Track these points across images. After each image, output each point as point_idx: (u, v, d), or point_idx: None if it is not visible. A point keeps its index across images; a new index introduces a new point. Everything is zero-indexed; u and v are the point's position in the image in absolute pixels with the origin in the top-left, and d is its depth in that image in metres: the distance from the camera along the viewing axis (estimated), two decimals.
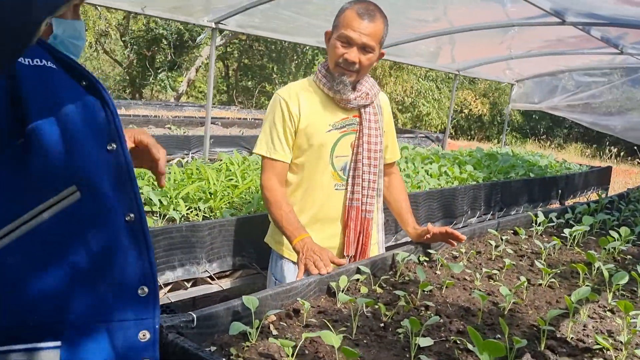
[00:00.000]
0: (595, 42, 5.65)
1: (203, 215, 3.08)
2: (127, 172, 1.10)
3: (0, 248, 0.96)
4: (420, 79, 22.97)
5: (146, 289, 1.11)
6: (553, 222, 2.98)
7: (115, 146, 1.09)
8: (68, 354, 1.03)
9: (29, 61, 1.01)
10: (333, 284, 1.77)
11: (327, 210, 2.27)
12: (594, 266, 2.24)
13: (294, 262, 2.24)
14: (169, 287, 2.48)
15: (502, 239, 2.58)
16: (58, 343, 1.03)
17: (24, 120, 0.96)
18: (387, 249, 3.91)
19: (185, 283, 2.55)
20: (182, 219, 2.98)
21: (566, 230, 2.68)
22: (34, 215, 0.98)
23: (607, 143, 20.85)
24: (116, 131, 1.09)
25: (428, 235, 2.26)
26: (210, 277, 2.59)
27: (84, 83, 1.07)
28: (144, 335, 1.12)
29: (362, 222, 2.28)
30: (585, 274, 2.20)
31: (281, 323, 1.53)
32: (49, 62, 1.04)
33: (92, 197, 1.05)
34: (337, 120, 2.23)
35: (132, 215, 1.10)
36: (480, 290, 1.93)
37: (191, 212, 3.11)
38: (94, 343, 1.06)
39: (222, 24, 4.97)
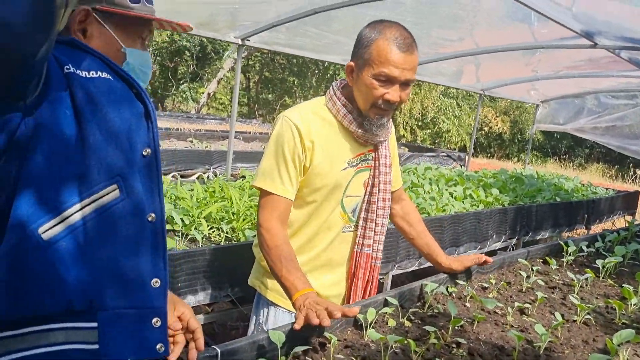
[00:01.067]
0: (624, 64, 5.56)
1: (225, 236, 3.03)
2: (156, 176, 1.25)
3: (52, 235, 1.09)
4: (440, 96, 22.90)
5: (159, 281, 1.24)
6: (583, 251, 2.89)
7: (150, 151, 1.23)
8: (102, 334, 1.15)
9: (85, 73, 1.17)
10: (360, 317, 1.71)
11: (332, 254, 2.02)
12: (630, 302, 2.15)
13: (289, 312, 1.98)
14: None
15: (532, 269, 2.50)
16: (95, 324, 1.15)
17: (78, 123, 1.12)
18: (411, 274, 3.86)
19: (207, 307, 2.50)
20: (204, 239, 2.94)
21: (598, 262, 2.60)
22: (83, 206, 1.12)
23: (630, 165, 20.54)
24: (153, 139, 1.25)
25: (460, 268, 2.18)
26: (232, 300, 2.54)
27: (134, 91, 1.23)
28: (157, 321, 1.23)
29: (371, 271, 2.05)
30: (622, 311, 2.11)
31: (307, 358, 1.48)
32: (104, 73, 1.20)
33: (128, 196, 1.18)
34: (353, 157, 1.97)
35: (154, 215, 1.24)
36: (513, 326, 1.86)
37: (213, 232, 3.07)
38: (121, 326, 1.18)
39: (247, 40, 4.97)
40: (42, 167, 1.08)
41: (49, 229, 1.09)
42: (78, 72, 1.16)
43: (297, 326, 1.48)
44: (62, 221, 1.10)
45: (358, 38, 1.88)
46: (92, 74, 1.18)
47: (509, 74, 7.36)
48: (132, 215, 1.19)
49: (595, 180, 14.67)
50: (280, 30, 4.96)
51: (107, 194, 1.15)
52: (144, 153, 1.22)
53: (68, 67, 1.15)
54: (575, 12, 4.26)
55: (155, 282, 1.23)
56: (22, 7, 0.86)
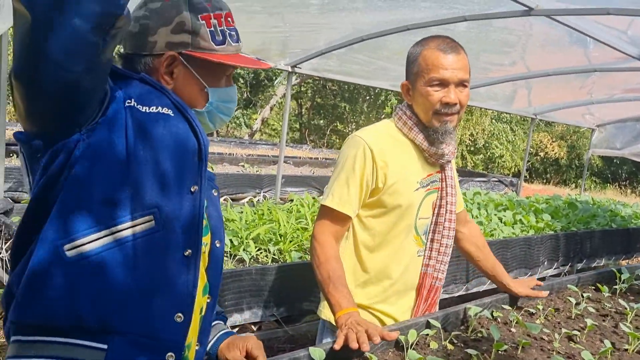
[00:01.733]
0: None
1: (272, 257, 3.10)
2: (198, 213, 1.27)
3: (77, 254, 1.13)
4: (493, 121, 22.54)
5: (182, 316, 1.25)
6: (639, 278, 2.79)
7: (196, 188, 1.27)
8: (110, 357, 1.15)
9: (146, 108, 1.23)
10: (402, 338, 1.71)
11: (407, 279, 2.01)
12: None
13: None
14: (236, 329, 2.49)
15: (582, 296, 2.43)
16: (105, 346, 1.16)
17: (125, 153, 1.17)
18: (457, 298, 3.80)
19: (252, 326, 2.56)
20: (252, 260, 3.01)
21: None
22: (114, 232, 1.16)
23: None
24: (200, 177, 1.28)
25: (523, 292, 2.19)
26: (277, 320, 2.59)
27: (191, 128, 1.27)
28: (170, 355, 1.23)
29: (434, 293, 2.05)
30: None
31: None
32: (164, 109, 1.26)
33: (164, 229, 1.21)
34: (423, 177, 1.97)
35: (190, 251, 1.25)
36: (559, 352, 1.82)
37: (261, 253, 3.14)
38: (132, 353, 1.18)
39: (298, 67, 5.10)
40: (79, 189, 1.14)
41: (74, 248, 1.13)
42: (139, 106, 1.22)
43: (337, 346, 1.49)
44: (89, 242, 1.14)
45: (407, 59, 1.94)
46: (153, 108, 1.24)
47: (562, 97, 7.22)
48: (166, 248, 1.21)
49: None
50: (329, 58, 5.06)
51: (142, 223, 1.18)
52: (192, 190, 1.26)
53: (130, 101, 1.22)
54: (631, 35, 4.18)
55: (178, 317, 1.24)
56: (59, 41, 0.97)
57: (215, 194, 1.48)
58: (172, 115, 1.26)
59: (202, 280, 1.36)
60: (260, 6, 3.89)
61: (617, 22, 3.88)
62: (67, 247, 1.13)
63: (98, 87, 1.12)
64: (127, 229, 1.16)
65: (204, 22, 1.30)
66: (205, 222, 1.36)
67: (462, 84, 1.86)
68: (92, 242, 1.14)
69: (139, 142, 1.18)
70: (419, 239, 2.00)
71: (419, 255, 2.02)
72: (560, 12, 3.53)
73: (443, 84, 1.84)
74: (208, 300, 1.42)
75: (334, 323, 1.95)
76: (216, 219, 1.44)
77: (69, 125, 1.13)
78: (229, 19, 1.36)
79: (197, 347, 1.40)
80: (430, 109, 1.87)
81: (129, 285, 1.17)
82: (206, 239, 1.37)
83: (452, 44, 1.87)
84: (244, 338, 1.50)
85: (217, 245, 1.43)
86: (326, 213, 1.89)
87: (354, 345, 1.48)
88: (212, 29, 1.31)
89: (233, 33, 1.36)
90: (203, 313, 1.40)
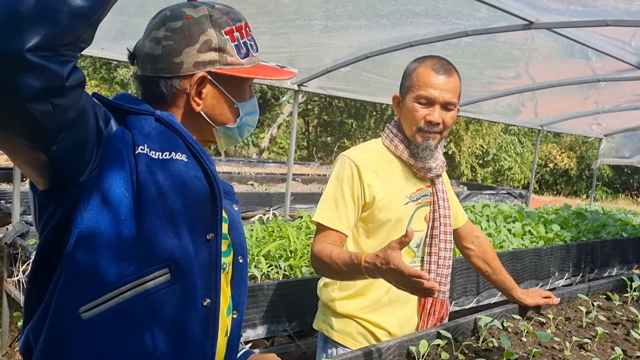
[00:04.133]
0: None
1: (283, 273, 3.13)
2: (215, 261, 1.22)
3: (92, 315, 1.08)
4: (501, 133, 22.52)
5: None
6: None
7: (213, 235, 1.21)
8: None
9: (159, 155, 1.16)
10: (413, 349, 1.73)
11: (399, 291, 1.99)
12: None
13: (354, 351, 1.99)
14: (249, 345, 2.51)
15: (593, 305, 2.43)
16: None
17: (136, 205, 1.10)
18: (468, 310, 3.80)
19: (265, 341, 2.58)
20: (263, 277, 3.04)
21: None
22: (128, 289, 1.10)
23: None
24: (216, 223, 1.22)
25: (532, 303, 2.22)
26: (289, 335, 2.61)
27: (206, 174, 1.21)
28: None
29: (441, 306, 2.08)
30: None
31: None
32: (178, 154, 1.19)
33: (180, 280, 1.16)
34: (413, 192, 2.02)
35: (209, 300, 1.21)
36: None
37: (272, 269, 3.17)
38: None
39: (304, 85, 5.16)
40: (91, 247, 1.08)
41: (89, 310, 1.09)
42: (151, 153, 1.15)
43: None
44: (104, 302, 1.09)
45: (403, 73, 2.01)
46: (166, 155, 1.17)
47: (568, 108, 7.24)
48: (183, 299, 1.17)
49: None
50: (335, 75, 5.13)
51: (156, 277, 1.13)
52: (208, 237, 1.21)
53: (143, 147, 1.14)
54: (635, 45, 4.22)
55: None
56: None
57: (236, 208, 1.42)
58: (187, 160, 1.19)
59: (226, 300, 1.34)
60: (266, 27, 3.97)
61: (620, 34, 3.92)
62: (82, 309, 1.09)
63: (79, 143, 1.04)
64: (142, 284, 1.12)
65: (228, 37, 1.26)
66: (226, 242, 1.33)
67: (447, 105, 1.92)
68: (108, 301, 1.10)
69: (151, 192, 1.13)
70: (410, 251, 2.03)
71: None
72: (559, 25, 3.58)
73: (430, 102, 1.91)
74: (234, 316, 1.38)
75: (327, 335, 2.04)
76: (238, 234, 1.39)
77: (60, 180, 1.07)
78: (247, 29, 1.32)
79: None
80: (415, 125, 1.94)
81: (148, 342, 1.13)
82: (228, 259, 1.35)
83: (447, 66, 1.93)
84: (264, 356, 1.48)
85: (240, 261, 1.39)
86: (318, 230, 1.94)
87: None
88: (236, 42, 1.27)
89: (252, 43, 1.32)
90: (229, 334, 1.37)
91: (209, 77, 1.26)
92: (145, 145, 1.15)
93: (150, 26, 1.27)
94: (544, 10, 3.52)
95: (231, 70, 1.26)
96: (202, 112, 1.29)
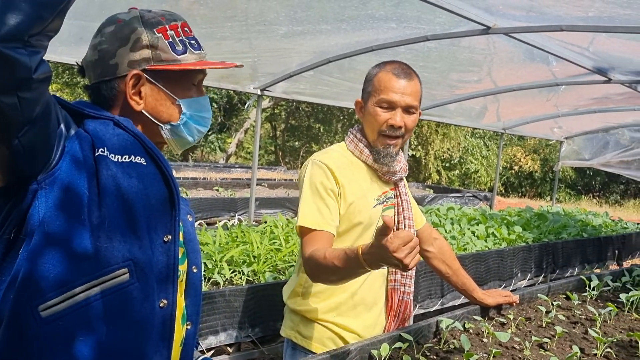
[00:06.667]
0: None
1: (246, 279, 3.10)
2: (172, 263, 1.23)
3: (52, 314, 1.07)
4: (467, 137, 22.86)
5: None
6: (609, 285, 2.84)
7: (170, 238, 1.23)
8: None
9: (118, 157, 1.18)
10: (374, 352, 1.73)
11: (365, 293, 2.02)
12: None
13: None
14: (211, 352, 2.48)
15: (553, 305, 2.47)
16: None
17: (97, 204, 1.13)
18: (433, 313, 3.83)
19: (228, 348, 2.54)
20: (226, 282, 3.01)
21: (622, 295, 2.55)
22: (88, 287, 1.10)
23: None
24: (174, 226, 1.24)
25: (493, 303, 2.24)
26: (253, 341, 2.58)
27: (164, 177, 1.23)
28: None
29: (405, 307, 2.10)
30: None
31: None
32: (137, 157, 1.21)
33: (138, 280, 1.17)
34: (379, 194, 2.03)
35: (165, 301, 1.22)
36: None
37: (235, 275, 3.13)
38: None
39: (267, 90, 5.15)
40: (49, 245, 1.08)
41: (48, 308, 1.08)
42: (111, 156, 1.16)
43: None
44: (64, 301, 1.09)
45: (365, 78, 2.02)
46: (125, 158, 1.19)
47: (529, 111, 7.39)
48: (142, 300, 1.18)
49: (632, 217, 14.26)
50: (298, 80, 5.12)
51: (116, 277, 1.14)
52: (165, 239, 1.23)
53: (102, 150, 1.16)
54: (593, 50, 4.33)
55: None
56: None
57: (190, 219, 1.44)
58: (145, 164, 1.21)
59: (180, 309, 1.34)
60: (228, 32, 3.94)
61: (579, 39, 4.02)
62: (41, 307, 1.08)
63: (41, 139, 1.06)
64: (102, 283, 1.12)
65: (160, 34, 1.28)
66: (182, 249, 1.33)
67: (409, 109, 1.94)
68: (66, 300, 1.09)
69: (111, 194, 1.14)
70: None
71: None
72: (516, 30, 3.65)
73: (391, 106, 1.92)
74: (188, 327, 1.38)
75: (296, 341, 2.02)
76: (192, 244, 1.41)
77: (19, 176, 1.08)
78: (186, 28, 1.33)
79: None
80: (377, 129, 1.95)
81: (105, 341, 1.13)
82: (183, 267, 1.35)
83: (407, 71, 1.95)
84: None
85: (194, 270, 1.39)
86: (308, 237, 1.85)
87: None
88: (171, 40, 1.29)
89: (193, 42, 1.34)
90: (183, 344, 1.37)
91: (145, 75, 1.28)
92: (105, 148, 1.16)
93: (92, 37, 1.31)
94: (501, 15, 3.58)
95: (167, 66, 1.28)
96: (144, 111, 1.30)
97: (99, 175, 1.13)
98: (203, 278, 3.04)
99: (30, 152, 1.03)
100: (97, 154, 1.15)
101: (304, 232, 1.87)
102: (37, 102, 0.97)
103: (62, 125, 1.11)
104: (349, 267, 1.62)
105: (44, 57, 0.95)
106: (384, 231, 1.41)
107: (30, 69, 0.91)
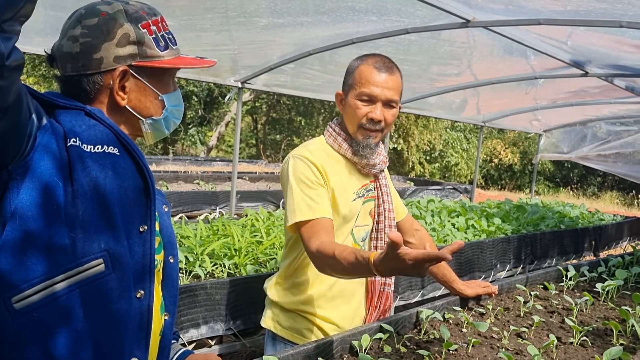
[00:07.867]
0: (620, 92, 5.64)
1: (228, 272, 3.09)
2: (149, 253, 1.23)
3: (25, 305, 1.08)
4: (447, 130, 23.02)
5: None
6: (585, 276, 2.89)
7: (146, 228, 1.22)
8: None
9: (91, 147, 1.17)
10: (355, 343, 1.74)
11: (344, 285, 2.03)
12: (628, 323, 2.16)
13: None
14: (192, 345, 2.47)
15: (530, 295, 2.51)
16: None
17: (71, 195, 1.12)
18: (414, 304, 3.86)
19: (210, 341, 2.54)
20: (207, 276, 3.00)
21: (598, 285, 2.60)
22: (63, 279, 1.09)
23: None
24: (150, 216, 1.24)
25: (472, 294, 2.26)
26: (234, 334, 2.58)
27: (138, 167, 1.23)
28: None
29: (386, 299, 2.11)
30: (620, 332, 2.12)
31: None
32: (110, 147, 1.20)
33: (114, 271, 1.16)
34: (359, 188, 2.04)
35: (142, 292, 1.22)
36: (508, 349, 1.88)
37: (216, 268, 3.13)
38: None
39: (248, 83, 5.13)
40: (23, 235, 1.07)
41: (22, 300, 1.07)
42: (83, 146, 1.16)
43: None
44: (38, 292, 1.08)
45: (346, 70, 2.02)
46: (98, 148, 1.18)
47: (508, 105, 7.46)
48: (118, 291, 1.17)
49: (609, 209, 14.51)
50: (279, 73, 5.11)
51: (91, 268, 1.13)
52: (141, 230, 1.22)
53: (75, 140, 1.15)
54: (570, 44, 4.38)
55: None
56: None
57: (166, 209, 1.45)
58: (118, 154, 1.21)
59: (158, 298, 1.34)
60: (208, 24, 3.91)
61: (557, 33, 4.06)
62: (14, 299, 1.07)
63: (12, 128, 1.04)
64: (77, 274, 1.12)
65: (145, 30, 1.28)
66: (158, 239, 1.34)
67: (389, 103, 1.94)
68: (41, 291, 1.08)
69: (85, 184, 1.13)
70: (356, 245, 2.05)
71: None
72: (495, 24, 3.68)
73: (371, 100, 1.92)
74: (166, 318, 1.38)
75: (275, 332, 2.03)
76: (168, 234, 1.41)
77: None
78: (164, 23, 1.35)
79: None
80: (357, 122, 1.95)
81: (82, 332, 1.13)
82: (160, 257, 1.35)
83: (389, 64, 1.95)
84: (205, 355, 1.49)
85: (171, 260, 1.40)
86: (306, 228, 1.83)
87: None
88: (154, 35, 1.30)
89: (171, 37, 1.36)
90: (161, 334, 1.37)
91: (131, 70, 1.28)
92: (77, 138, 1.15)
93: (66, 26, 1.28)
94: (480, 9, 3.61)
95: (152, 63, 1.29)
96: (127, 106, 1.31)
97: (71, 166, 1.13)
98: (184, 271, 3.03)
99: (1, 142, 1.02)
100: (69, 144, 1.14)
101: (300, 226, 1.84)
102: (8, 90, 0.95)
103: (33, 116, 1.10)
104: (359, 272, 1.63)
105: (16, 45, 0.93)
106: (395, 247, 1.38)
107: (3, 55, 0.89)
